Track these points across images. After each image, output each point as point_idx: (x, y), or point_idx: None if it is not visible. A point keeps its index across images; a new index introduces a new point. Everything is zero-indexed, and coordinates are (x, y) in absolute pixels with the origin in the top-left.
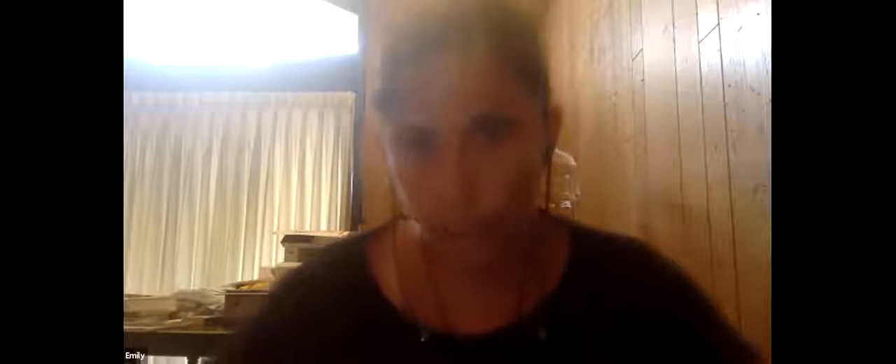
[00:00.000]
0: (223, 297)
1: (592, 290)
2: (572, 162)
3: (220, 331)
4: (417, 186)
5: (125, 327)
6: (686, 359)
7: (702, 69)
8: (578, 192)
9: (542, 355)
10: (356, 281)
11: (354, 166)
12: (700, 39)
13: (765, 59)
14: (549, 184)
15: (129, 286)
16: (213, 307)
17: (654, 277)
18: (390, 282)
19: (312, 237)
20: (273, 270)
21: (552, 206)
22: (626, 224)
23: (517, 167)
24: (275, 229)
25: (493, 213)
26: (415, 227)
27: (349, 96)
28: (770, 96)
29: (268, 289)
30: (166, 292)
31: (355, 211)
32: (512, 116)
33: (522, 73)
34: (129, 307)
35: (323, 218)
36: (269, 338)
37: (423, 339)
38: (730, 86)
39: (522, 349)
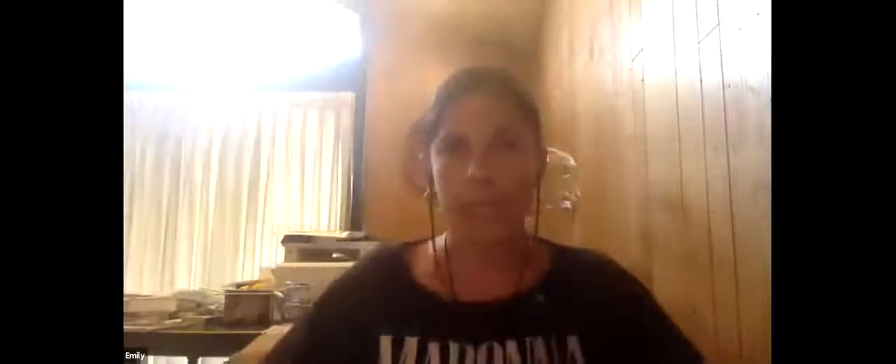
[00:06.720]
0: (223, 297)
1: (570, 273)
2: (572, 162)
3: (220, 331)
4: (455, 175)
5: (125, 327)
6: (636, 324)
7: (702, 69)
8: (578, 193)
9: (538, 312)
10: (395, 271)
11: (354, 166)
12: (700, 39)
13: (765, 59)
14: (538, 200)
15: (129, 286)
16: (213, 307)
17: (613, 268)
18: (420, 272)
19: (312, 237)
20: (273, 270)
21: (550, 207)
22: (625, 224)
23: (521, 170)
24: (275, 229)
25: (503, 193)
26: (437, 242)
27: (349, 96)
28: (770, 96)
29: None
30: (166, 292)
31: (355, 211)
32: (517, 135)
33: (522, 109)
34: (129, 307)
35: (323, 218)
36: (332, 304)
37: (452, 302)
38: (730, 86)
39: (525, 308)
